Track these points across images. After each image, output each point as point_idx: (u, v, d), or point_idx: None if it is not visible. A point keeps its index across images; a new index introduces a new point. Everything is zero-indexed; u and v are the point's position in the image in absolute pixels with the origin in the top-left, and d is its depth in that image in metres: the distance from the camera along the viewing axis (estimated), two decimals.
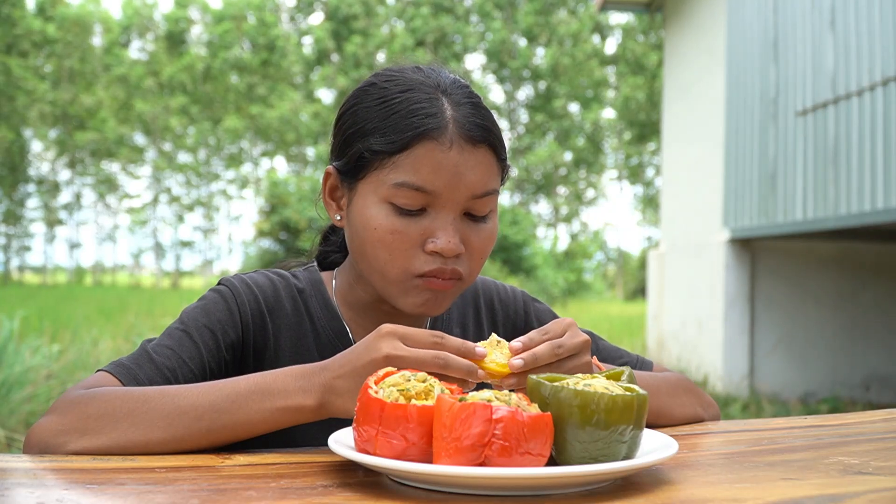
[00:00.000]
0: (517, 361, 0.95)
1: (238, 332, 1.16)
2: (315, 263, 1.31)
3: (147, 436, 0.95)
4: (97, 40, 35.47)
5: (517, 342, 0.97)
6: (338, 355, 0.98)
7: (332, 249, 1.33)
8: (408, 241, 1.09)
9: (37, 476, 0.84)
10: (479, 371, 0.95)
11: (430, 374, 0.92)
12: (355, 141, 1.12)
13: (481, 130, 1.10)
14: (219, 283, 1.20)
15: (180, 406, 0.96)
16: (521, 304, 1.36)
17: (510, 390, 0.94)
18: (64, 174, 38.44)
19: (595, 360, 1.10)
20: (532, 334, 0.98)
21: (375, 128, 1.10)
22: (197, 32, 36.95)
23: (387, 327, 0.95)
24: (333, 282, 1.27)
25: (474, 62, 36.69)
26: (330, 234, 1.34)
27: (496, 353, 0.97)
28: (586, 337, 1.00)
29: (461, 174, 1.08)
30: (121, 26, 36.24)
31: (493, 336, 1.00)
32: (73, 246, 39.39)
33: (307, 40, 37.07)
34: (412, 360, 0.92)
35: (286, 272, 1.26)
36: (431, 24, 33.85)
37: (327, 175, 1.18)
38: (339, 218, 1.19)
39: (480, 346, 0.96)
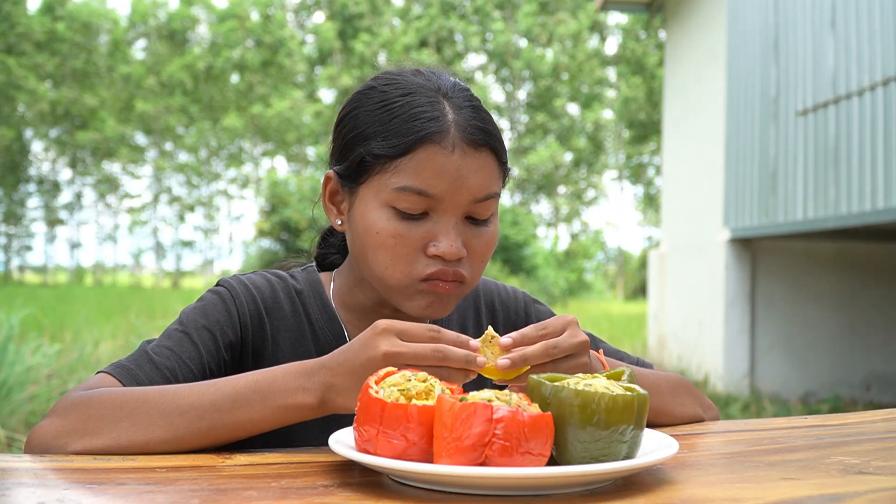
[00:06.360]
0: (503, 362, 0.94)
1: (237, 332, 1.16)
2: (314, 264, 1.31)
3: (147, 435, 0.95)
4: (103, 39, 35.37)
5: (508, 338, 0.96)
6: (335, 352, 0.98)
7: (331, 251, 1.33)
8: (409, 246, 1.09)
9: (38, 476, 0.84)
10: (479, 358, 0.93)
11: (429, 367, 0.92)
12: (356, 145, 1.12)
13: (483, 134, 1.10)
14: (217, 285, 1.21)
15: (181, 406, 0.97)
16: (522, 305, 1.36)
17: (505, 388, 0.95)
18: (64, 174, 38.46)
19: (601, 354, 1.10)
20: (527, 330, 0.97)
21: (377, 132, 1.09)
22: (201, 31, 36.87)
23: (382, 324, 0.94)
24: (332, 283, 1.26)
25: (474, 62, 36.66)
26: (329, 235, 1.33)
27: (487, 350, 0.96)
28: (585, 337, 0.99)
29: (463, 178, 1.08)
30: (128, 25, 36.14)
31: (489, 330, 0.98)
32: (74, 246, 39.34)
33: (310, 38, 37.02)
34: (411, 355, 0.92)
35: (284, 273, 1.26)
36: (439, 24, 33.77)
37: (327, 179, 1.18)
38: (339, 223, 1.18)
39: (475, 342, 0.96)
